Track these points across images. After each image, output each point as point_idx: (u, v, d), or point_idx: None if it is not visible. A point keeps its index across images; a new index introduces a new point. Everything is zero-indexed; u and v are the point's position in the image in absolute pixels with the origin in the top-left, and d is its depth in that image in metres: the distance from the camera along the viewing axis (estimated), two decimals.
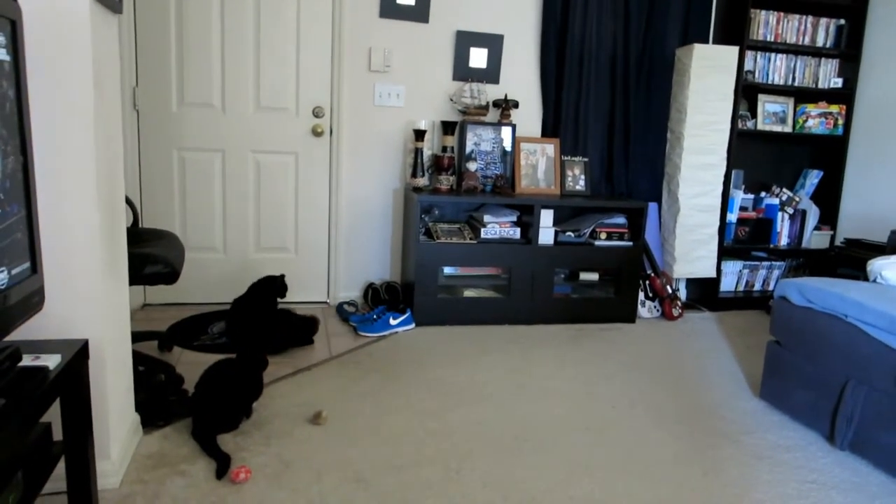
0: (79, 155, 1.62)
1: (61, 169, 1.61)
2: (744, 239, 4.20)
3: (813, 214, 4.28)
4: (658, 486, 2.00)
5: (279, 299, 3.09)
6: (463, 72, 3.78)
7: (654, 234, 4.12)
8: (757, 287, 4.35)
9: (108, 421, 1.79)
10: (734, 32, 3.99)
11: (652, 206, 4.11)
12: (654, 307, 3.94)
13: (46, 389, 1.29)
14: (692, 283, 4.34)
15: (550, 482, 1.98)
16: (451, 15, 3.71)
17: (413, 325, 3.43)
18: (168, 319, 3.33)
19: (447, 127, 3.63)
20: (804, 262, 4.45)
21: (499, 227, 3.55)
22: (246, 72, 3.50)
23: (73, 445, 1.52)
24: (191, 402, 2.21)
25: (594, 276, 3.93)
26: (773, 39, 4.06)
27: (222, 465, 1.91)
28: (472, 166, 3.66)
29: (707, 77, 3.81)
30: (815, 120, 4.20)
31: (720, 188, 3.97)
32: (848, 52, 4.15)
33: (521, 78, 3.88)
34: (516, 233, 3.57)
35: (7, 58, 1.27)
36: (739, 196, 4.14)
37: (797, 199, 4.26)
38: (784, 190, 4.27)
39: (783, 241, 4.31)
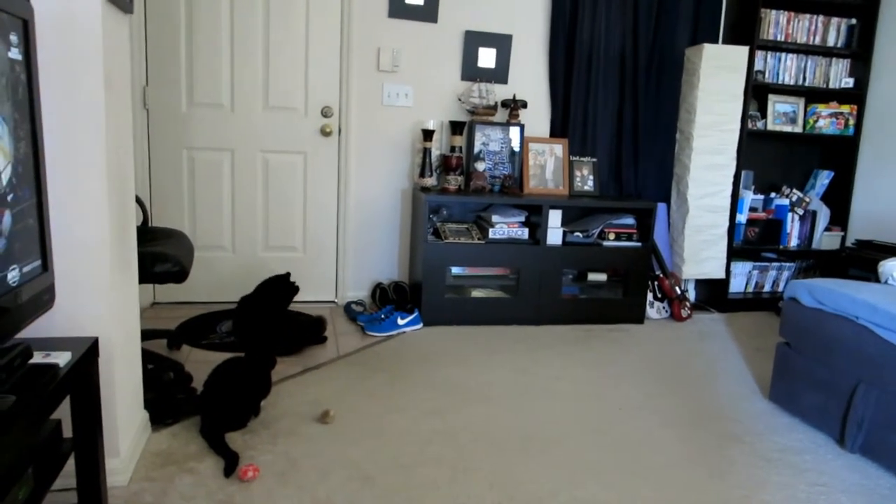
0: (90, 154, 1.63)
1: (72, 167, 1.62)
2: (753, 240, 4.17)
3: (823, 215, 4.25)
4: (665, 487, 1.99)
5: (292, 300, 3.10)
6: (471, 72, 3.77)
7: (662, 234, 4.10)
8: (766, 288, 4.32)
9: (117, 418, 1.80)
10: (744, 32, 3.97)
11: (661, 207, 4.09)
12: (663, 308, 3.93)
13: (57, 387, 1.30)
14: (701, 284, 4.32)
15: (557, 483, 1.97)
16: (459, 15, 3.71)
17: (421, 325, 3.43)
18: (177, 318, 3.35)
19: (455, 127, 3.63)
20: (814, 263, 4.42)
21: (507, 227, 3.54)
22: (255, 72, 3.51)
23: (82, 442, 1.53)
24: (199, 400, 2.22)
25: (602, 277, 3.92)
26: (783, 39, 4.04)
27: (230, 463, 1.92)
28: (480, 166, 3.66)
29: (717, 77, 3.79)
30: (826, 120, 4.18)
31: (730, 189, 3.95)
32: (859, 51, 4.12)
33: (530, 78, 3.88)
34: (524, 233, 3.57)
35: (19, 57, 1.28)
36: (749, 197, 4.11)
37: (807, 199, 4.23)
38: (794, 190, 4.24)
39: (793, 242, 4.28)
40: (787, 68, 4.12)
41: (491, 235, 3.52)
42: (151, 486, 1.82)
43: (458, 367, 2.89)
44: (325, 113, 3.62)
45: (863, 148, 4.21)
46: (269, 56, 3.52)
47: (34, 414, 1.21)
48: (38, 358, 1.37)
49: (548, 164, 3.82)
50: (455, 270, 3.72)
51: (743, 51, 3.81)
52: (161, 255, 2.24)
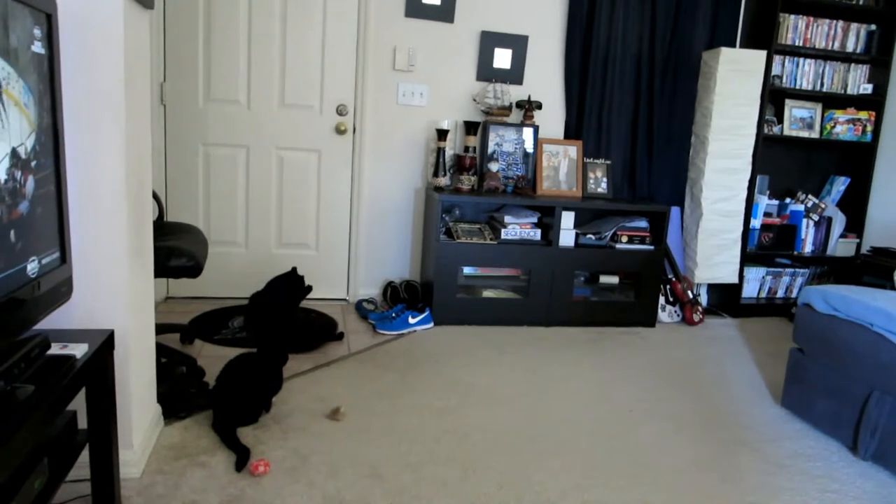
0: (109, 148, 1.65)
1: (91, 161, 1.64)
2: (767, 245, 4.15)
3: (839, 222, 4.22)
4: (676, 492, 1.98)
5: (303, 298, 3.12)
6: (487, 72, 3.77)
7: (675, 238, 4.08)
8: (780, 294, 4.29)
9: (130, 411, 1.81)
10: (762, 36, 3.94)
11: (674, 211, 4.07)
12: (675, 312, 3.91)
13: (73, 378, 1.31)
14: (714, 288, 4.29)
15: (566, 486, 1.97)
16: (476, 15, 3.71)
17: (431, 325, 3.44)
18: (190, 312, 3.37)
19: (470, 127, 3.63)
20: (829, 269, 4.38)
21: (519, 228, 3.54)
22: (271, 69, 3.53)
23: (97, 434, 1.55)
24: (211, 394, 2.23)
25: (614, 280, 3.91)
26: (801, 44, 4.01)
27: (241, 458, 1.93)
28: (493, 167, 3.66)
29: (734, 81, 3.77)
30: (844, 126, 4.14)
31: (744, 193, 3.93)
32: (879, 58, 4.08)
33: (545, 79, 3.87)
34: (537, 234, 3.57)
35: (42, 51, 1.29)
36: (764, 202, 4.09)
37: (823, 205, 4.20)
38: (810, 196, 4.21)
39: (808, 248, 4.25)
40: (805, 73, 4.09)
41: (503, 236, 3.52)
42: (163, 478, 1.84)
43: (468, 367, 2.89)
44: (340, 111, 3.63)
45: (880, 155, 4.17)
46: (286, 53, 3.53)
47: (51, 405, 1.22)
48: (55, 349, 1.39)
49: (561, 165, 3.81)
50: (467, 270, 3.72)
51: (760, 55, 3.79)
52: (176, 250, 2.25)
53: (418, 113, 3.74)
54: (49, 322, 1.64)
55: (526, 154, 3.81)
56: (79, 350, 1.39)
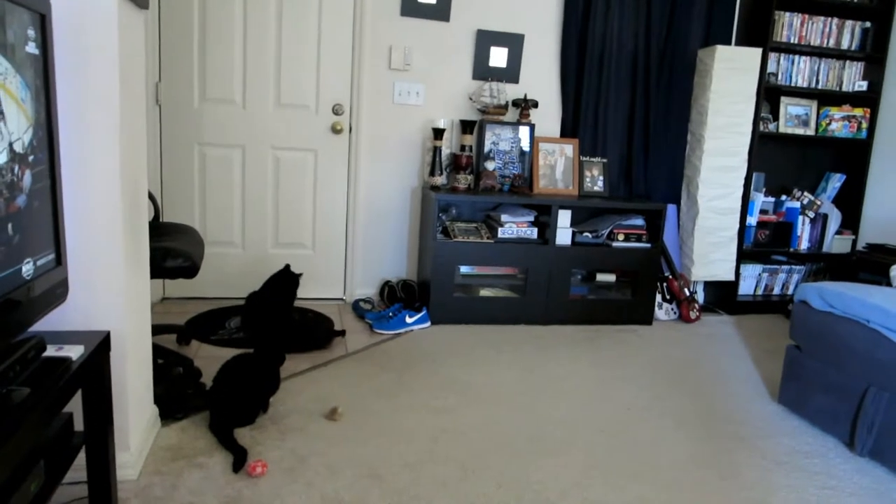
0: (104, 148, 1.64)
1: (87, 162, 1.63)
2: (764, 242, 4.15)
3: (834, 218, 4.23)
4: (674, 490, 1.98)
5: (296, 292, 3.11)
6: (483, 71, 3.77)
7: (672, 236, 4.09)
8: (776, 291, 4.30)
9: (127, 413, 1.81)
10: (757, 34, 3.95)
11: (671, 208, 4.08)
12: (672, 310, 3.92)
13: (69, 380, 1.31)
14: (710, 286, 4.30)
15: (565, 484, 1.97)
16: (471, 14, 3.71)
17: (429, 324, 3.43)
18: (187, 313, 3.36)
19: (466, 126, 3.63)
20: (825, 266, 4.40)
21: (516, 226, 3.54)
22: (267, 69, 3.52)
23: (93, 436, 1.54)
24: (208, 395, 2.23)
25: (611, 278, 3.91)
26: (796, 41, 4.01)
27: (239, 459, 1.93)
28: (490, 165, 3.66)
29: (729, 78, 3.78)
30: (839, 123, 4.15)
31: (740, 191, 3.93)
32: (874, 55, 4.09)
33: (541, 78, 3.87)
34: (533, 233, 3.57)
35: (36, 51, 1.28)
36: (760, 199, 4.09)
37: (819, 202, 4.21)
38: (805, 193, 4.22)
39: (804, 245, 4.26)
40: (801, 70, 4.09)
41: (500, 235, 3.51)
42: (161, 480, 1.83)
43: (466, 367, 2.89)
44: (337, 110, 3.63)
45: (875, 151, 4.18)
46: (282, 53, 3.53)
47: (47, 407, 1.22)
48: (51, 351, 1.38)
49: (558, 163, 3.81)
50: (464, 269, 3.72)
51: (756, 52, 3.79)
52: (172, 251, 2.24)
53: (414, 112, 3.74)
54: (45, 324, 1.63)
55: (522, 152, 3.81)
56: (75, 352, 1.39)
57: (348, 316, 3.55)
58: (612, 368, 3.00)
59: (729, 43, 4.03)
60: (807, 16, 4.00)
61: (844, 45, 4.09)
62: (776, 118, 4.12)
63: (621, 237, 3.68)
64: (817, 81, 4.12)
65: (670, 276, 3.93)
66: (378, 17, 3.59)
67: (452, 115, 3.79)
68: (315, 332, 3.14)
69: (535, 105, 3.77)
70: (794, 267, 4.29)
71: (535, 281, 3.56)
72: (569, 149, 3.83)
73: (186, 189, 3.54)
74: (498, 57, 3.77)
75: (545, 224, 3.57)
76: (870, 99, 4.14)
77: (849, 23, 4.07)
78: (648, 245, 3.69)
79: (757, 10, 3.97)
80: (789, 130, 4.13)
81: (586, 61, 3.81)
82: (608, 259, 3.65)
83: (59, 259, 1.42)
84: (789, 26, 3.99)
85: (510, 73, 3.81)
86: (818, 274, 4.40)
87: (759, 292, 4.28)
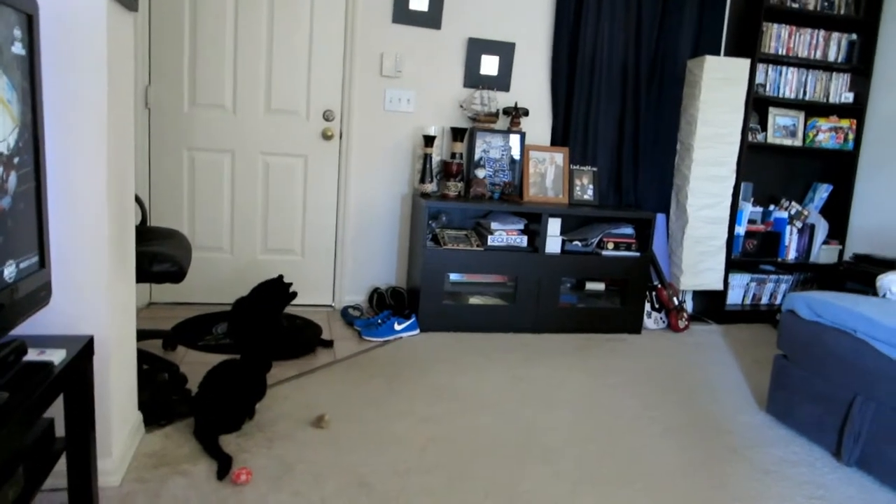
0: (91, 151, 1.62)
1: (73, 164, 1.61)
2: (752, 252, 4.17)
3: (822, 228, 4.26)
4: (663, 499, 1.98)
5: (287, 304, 3.09)
6: (474, 79, 3.78)
7: (661, 245, 4.10)
8: (764, 300, 4.32)
9: (110, 418, 1.78)
10: (746, 45, 3.98)
11: (660, 218, 4.09)
12: (661, 319, 3.92)
13: (50, 385, 1.29)
14: (699, 295, 4.31)
15: (554, 494, 1.96)
16: (463, 22, 3.72)
17: (418, 331, 3.42)
18: (173, 318, 3.33)
19: (457, 133, 3.63)
20: (812, 276, 4.42)
21: (506, 234, 3.54)
22: (258, 74, 3.51)
23: (75, 442, 1.52)
24: (193, 401, 2.20)
25: (601, 286, 3.91)
26: (784, 53, 4.05)
27: (223, 466, 1.91)
28: (480, 173, 3.66)
29: (718, 89, 3.80)
30: (826, 134, 4.19)
31: (729, 200, 3.95)
32: (860, 67, 4.13)
33: (532, 86, 3.88)
34: (523, 241, 3.56)
35: (23, 52, 1.27)
36: (748, 209, 4.12)
37: (806, 212, 4.24)
38: (793, 203, 4.25)
39: (791, 254, 4.28)
40: (788, 82, 4.13)
41: (490, 242, 3.51)
42: (144, 487, 1.81)
43: (454, 374, 2.88)
44: (327, 117, 3.62)
45: (862, 162, 4.22)
46: (273, 58, 3.52)
47: (27, 412, 1.20)
48: (32, 355, 1.36)
49: (548, 172, 3.82)
50: (453, 277, 3.71)
51: (744, 63, 3.82)
52: (159, 255, 2.22)
53: (405, 119, 3.73)
54: (27, 327, 1.61)
55: (513, 161, 3.81)
56: (57, 356, 1.37)
57: (337, 323, 3.53)
58: (602, 377, 3.00)
59: (718, 54, 4.06)
60: (794, 28, 4.05)
61: (831, 56, 4.13)
62: (764, 128, 4.16)
63: (611, 246, 3.69)
64: (804, 92, 4.16)
65: (659, 286, 3.94)
66: (370, 23, 3.59)
67: (443, 122, 3.79)
68: (303, 339, 3.12)
69: (526, 113, 3.78)
70: (781, 277, 4.31)
71: (525, 289, 3.55)
72: (559, 157, 3.84)
73: (175, 193, 3.52)
74: (489, 65, 3.78)
75: (535, 232, 3.57)
76: (856, 110, 4.19)
77: (835, 35, 4.12)
78: (638, 254, 3.70)
79: (745, 22, 4.00)
80: (777, 141, 4.16)
81: (577, 70, 3.83)
82: (598, 268, 3.66)
83: (43, 262, 1.40)
84: (777, 38, 4.03)
85: (501, 82, 3.82)
86: (806, 284, 4.43)
87: (748, 302, 4.29)
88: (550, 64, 3.87)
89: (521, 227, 3.59)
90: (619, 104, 3.96)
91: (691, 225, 3.92)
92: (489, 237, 3.51)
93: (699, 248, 3.96)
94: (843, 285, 3.91)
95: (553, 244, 3.57)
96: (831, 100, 4.20)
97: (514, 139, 3.79)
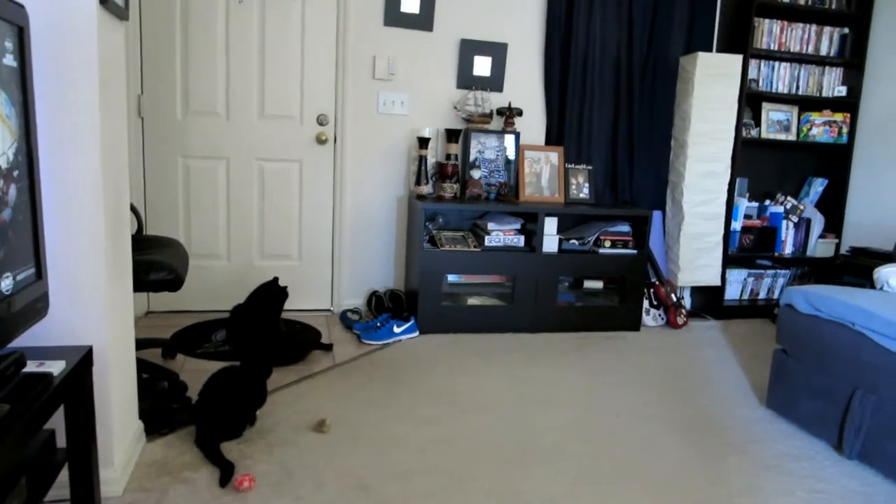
0: (85, 161, 1.62)
1: (67, 175, 1.61)
2: (748, 247, 4.18)
3: (818, 223, 4.27)
4: (664, 496, 1.98)
5: (283, 306, 3.08)
6: (467, 80, 3.78)
7: (658, 242, 4.11)
8: (762, 295, 4.33)
9: (111, 428, 1.78)
10: (738, 41, 3.99)
11: (656, 215, 4.10)
12: (659, 315, 3.93)
13: (51, 396, 1.29)
14: (697, 291, 4.32)
15: (554, 492, 1.96)
16: (455, 23, 3.72)
17: (417, 333, 3.42)
18: (172, 327, 3.33)
19: (451, 135, 3.64)
20: (809, 270, 4.43)
21: (503, 234, 3.54)
22: (250, 80, 3.51)
23: (76, 453, 1.52)
24: (194, 409, 2.20)
25: (598, 285, 3.92)
26: (776, 48, 4.07)
27: (226, 473, 1.90)
28: (475, 174, 3.66)
29: (711, 85, 3.81)
30: (820, 128, 4.20)
31: (724, 196, 3.96)
32: (852, 60, 4.15)
33: (525, 86, 3.89)
34: (520, 241, 3.57)
35: (14, 64, 1.27)
36: (744, 204, 4.13)
37: (802, 207, 4.25)
38: (788, 198, 4.26)
39: (788, 249, 4.29)
40: (781, 77, 4.14)
41: (487, 243, 3.51)
42: (146, 496, 1.80)
43: (454, 376, 2.88)
44: (321, 121, 3.62)
45: (856, 156, 4.23)
46: (265, 64, 3.52)
47: (28, 423, 1.19)
48: (31, 367, 1.36)
49: (543, 171, 3.82)
50: (451, 278, 3.71)
51: (737, 59, 3.83)
52: (156, 264, 2.22)
53: (399, 121, 3.74)
54: (25, 339, 1.61)
55: (508, 161, 3.82)
56: (56, 367, 1.37)
57: (336, 327, 3.53)
58: (601, 375, 3.00)
59: (710, 50, 4.07)
60: (786, 22, 4.06)
61: (823, 51, 4.14)
62: (758, 124, 4.17)
63: (608, 244, 3.69)
64: (797, 87, 4.18)
65: (657, 282, 3.94)
66: (362, 27, 3.59)
67: (437, 124, 3.80)
68: (302, 343, 3.12)
69: (520, 113, 3.78)
70: (778, 271, 4.32)
71: (523, 289, 3.56)
72: (554, 156, 3.84)
73: (171, 202, 3.51)
74: (482, 66, 3.78)
75: (532, 232, 3.58)
76: (849, 104, 4.20)
77: (827, 29, 4.13)
78: (635, 251, 3.71)
79: (737, 18, 4.01)
80: (771, 136, 4.17)
81: (570, 69, 3.84)
82: (595, 266, 3.66)
83: (40, 273, 1.40)
84: (769, 33, 4.04)
85: (494, 82, 3.82)
86: (803, 278, 4.44)
87: (745, 297, 4.30)
88: (543, 63, 3.88)
89: (518, 226, 3.59)
90: (613, 102, 3.97)
91: (687, 221, 3.93)
92: (486, 238, 3.51)
93: (696, 245, 3.97)
94: (840, 279, 3.92)
95: (550, 243, 3.57)
96: (824, 94, 4.21)
97: (509, 139, 3.80)
